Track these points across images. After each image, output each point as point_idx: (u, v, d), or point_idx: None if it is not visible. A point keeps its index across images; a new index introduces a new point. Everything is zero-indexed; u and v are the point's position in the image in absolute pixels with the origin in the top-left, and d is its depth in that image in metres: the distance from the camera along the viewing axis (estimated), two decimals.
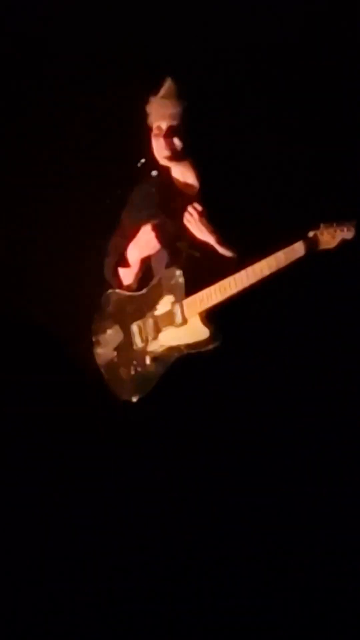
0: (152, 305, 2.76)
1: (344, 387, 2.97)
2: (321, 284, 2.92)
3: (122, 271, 2.84)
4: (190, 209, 2.72)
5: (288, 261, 2.62)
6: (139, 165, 2.81)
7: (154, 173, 2.79)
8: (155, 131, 2.75)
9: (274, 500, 2.86)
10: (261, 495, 2.86)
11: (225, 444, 2.84)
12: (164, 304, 2.75)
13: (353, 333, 2.99)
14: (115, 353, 2.83)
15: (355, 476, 2.95)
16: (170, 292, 2.73)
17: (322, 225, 2.61)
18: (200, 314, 2.70)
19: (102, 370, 2.85)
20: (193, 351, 2.72)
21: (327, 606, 2.75)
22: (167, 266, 2.76)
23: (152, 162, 2.79)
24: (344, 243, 2.61)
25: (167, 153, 2.75)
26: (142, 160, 2.81)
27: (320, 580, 2.80)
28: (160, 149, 2.76)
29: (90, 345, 2.86)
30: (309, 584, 2.79)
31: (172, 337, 2.74)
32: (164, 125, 2.73)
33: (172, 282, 2.73)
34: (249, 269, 2.63)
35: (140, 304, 2.79)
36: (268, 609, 2.75)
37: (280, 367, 2.94)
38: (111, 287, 2.86)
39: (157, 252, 2.79)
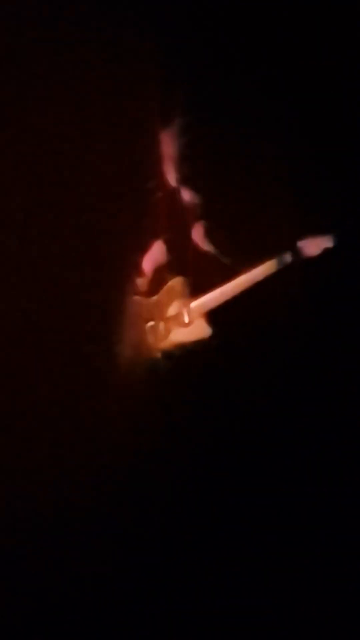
0: (164, 309, 3.22)
1: (344, 387, 3.10)
2: (321, 283, 3.26)
3: (138, 280, 3.30)
4: (195, 224, 3.20)
5: (278, 268, 3.11)
6: (147, 187, 3.27)
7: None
8: (167, 157, 3.22)
9: (274, 499, 2.92)
10: (262, 491, 2.94)
11: (227, 431, 3.15)
12: (174, 308, 3.21)
13: (353, 333, 3.15)
14: (132, 350, 3.28)
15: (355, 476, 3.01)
16: (178, 297, 3.20)
17: (307, 237, 3.12)
18: (204, 315, 3.17)
19: (121, 365, 3.30)
20: (198, 347, 3.19)
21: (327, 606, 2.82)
22: (175, 274, 3.23)
23: (163, 184, 3.25)
24: (326, 251, 3.13)
25: (177, 177, 3.22)
26: (150, 183, 3.26)
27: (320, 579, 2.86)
28: (171, 173, 3.23)
29: (111, 345, 3.29)
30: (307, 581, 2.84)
31: (180, 336, 3.20)
32: (175, 152, 3.20)
33: (180, 289, 3.19)
34: (246, 275, 3.10)
35: (153, 307, 3.25)
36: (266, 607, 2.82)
37: (278, 362, 3.24)
38: (130, 294, 3.32)
39: (167, 262, 3.25)
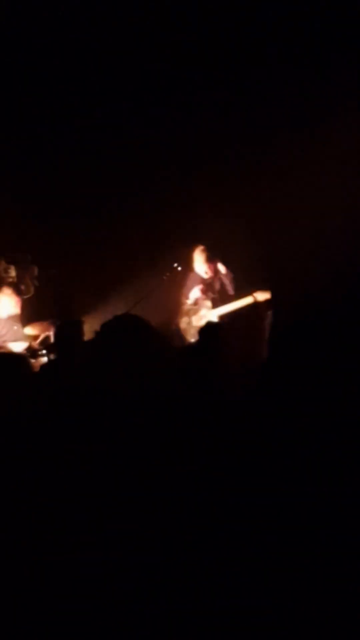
0: (197, 311, 8.58)
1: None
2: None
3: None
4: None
5: (244, 304, 8.46)
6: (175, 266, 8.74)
7: (179, 268, 8.69)
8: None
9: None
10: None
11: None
12: (204, 311, 8.55)
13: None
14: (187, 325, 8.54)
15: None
16: (209, 307, 8.57)
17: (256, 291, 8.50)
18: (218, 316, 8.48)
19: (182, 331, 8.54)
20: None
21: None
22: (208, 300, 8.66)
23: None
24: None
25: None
26: (175, 265, 8.73)
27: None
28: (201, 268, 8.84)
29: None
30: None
31: (207, 319, 8.46)
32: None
33: (209, 305, 8.58)
34: (227, 306, 8.49)
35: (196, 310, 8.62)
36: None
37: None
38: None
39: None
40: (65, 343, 6.01)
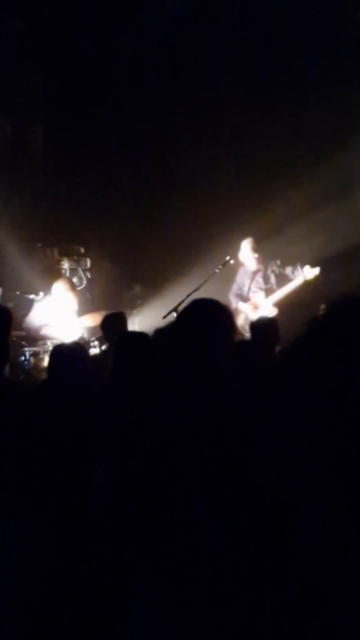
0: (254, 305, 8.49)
1: None
2: None
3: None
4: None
5: (296, 285, 8.34)
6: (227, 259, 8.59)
7: (232, 261, 8.62)
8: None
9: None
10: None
11: None
12: (260, 302, 8.45)
13: None
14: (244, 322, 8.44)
15: None
16: (261, 300, 8.47)
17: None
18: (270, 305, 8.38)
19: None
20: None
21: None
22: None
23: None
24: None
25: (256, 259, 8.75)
26: (228, 258, 8.61)
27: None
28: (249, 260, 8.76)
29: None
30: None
31: (261, 312, 8.34)
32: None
33: (262, 296, 8.50)
34: (280, 291, 8.39)
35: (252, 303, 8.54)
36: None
37: None
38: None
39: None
40: (109, 334, 6.05)
